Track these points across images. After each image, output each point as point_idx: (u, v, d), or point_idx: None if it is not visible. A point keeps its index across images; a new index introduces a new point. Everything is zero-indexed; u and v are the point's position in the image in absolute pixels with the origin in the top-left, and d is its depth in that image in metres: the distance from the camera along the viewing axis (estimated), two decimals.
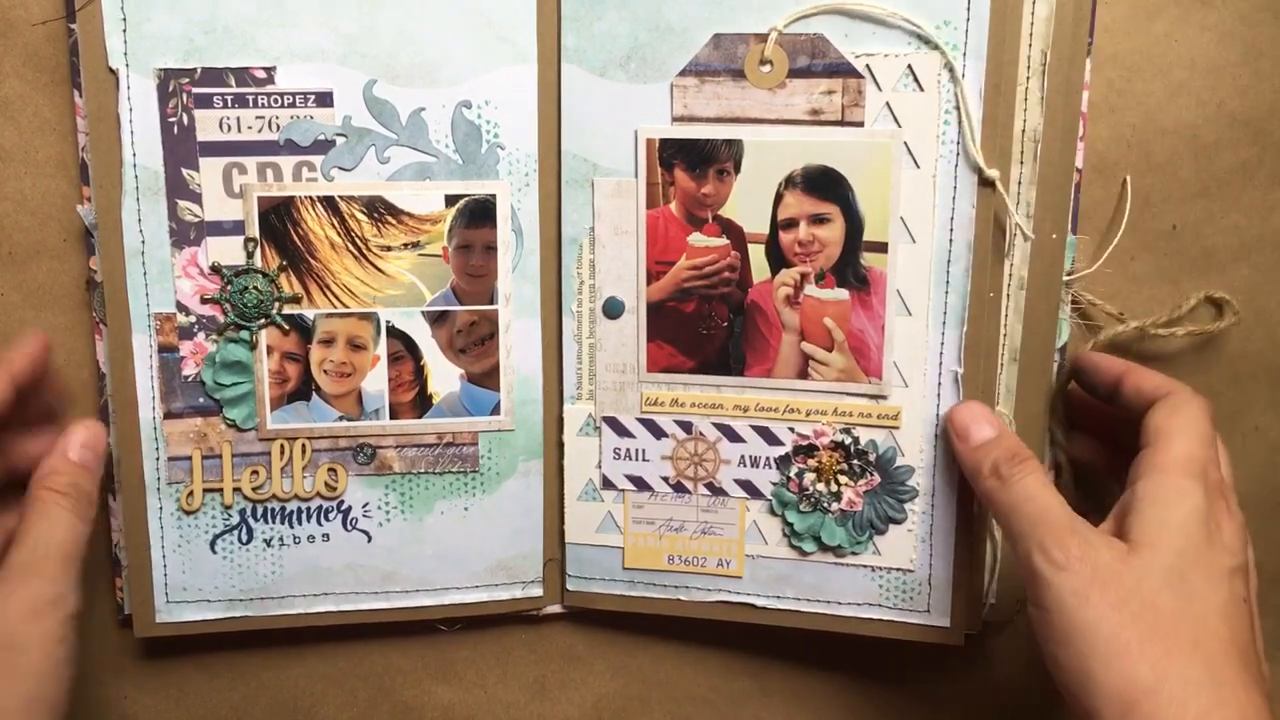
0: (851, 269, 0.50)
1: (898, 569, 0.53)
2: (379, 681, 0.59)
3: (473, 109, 0.51)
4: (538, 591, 0.57)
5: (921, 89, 0.47)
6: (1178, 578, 0.41)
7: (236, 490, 0.53)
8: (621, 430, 0.54)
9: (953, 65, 0.46)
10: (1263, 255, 0.53)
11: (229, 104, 0.49)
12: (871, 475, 0.52)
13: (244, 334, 0.51)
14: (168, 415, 0.52)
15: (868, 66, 0.47)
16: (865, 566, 0.54)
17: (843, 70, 0.48)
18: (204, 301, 0.51)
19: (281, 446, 0.53)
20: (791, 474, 0.53)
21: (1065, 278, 0.51)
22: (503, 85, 0.51)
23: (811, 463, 0.53)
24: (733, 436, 0.53)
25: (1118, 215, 0.52)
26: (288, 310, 0.52)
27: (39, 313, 0.53)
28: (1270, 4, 0.50)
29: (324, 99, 0.49)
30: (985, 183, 0.47)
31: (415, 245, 0.52)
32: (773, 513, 0.54)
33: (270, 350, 0.52)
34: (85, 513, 0.47)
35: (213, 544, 0.53)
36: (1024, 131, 0.47)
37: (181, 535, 0.53)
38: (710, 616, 0.56)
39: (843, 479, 0.53)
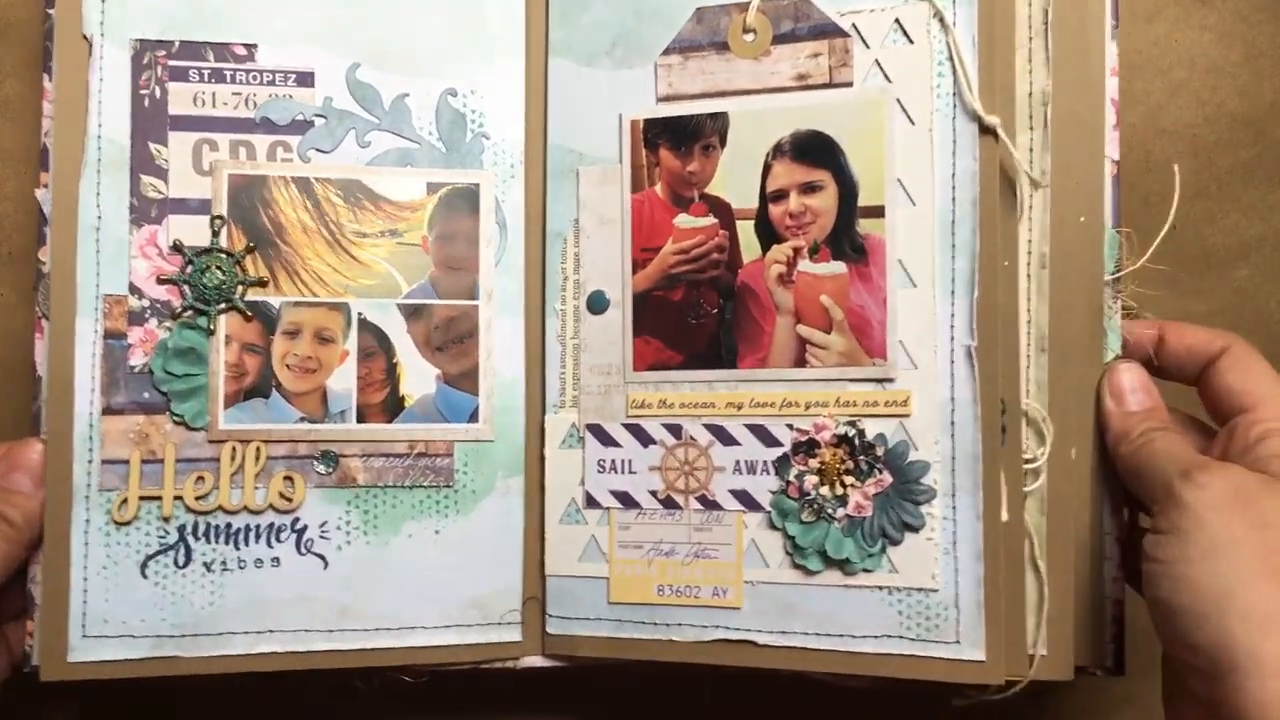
0: (848, 239, 0.44)
1: (918, 589, 0.45)
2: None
3: (458, 97, 0.47)
4: (515, 635, 0.47)
5: (911, 41, 0.43)
6: None
7: (178, 499, 0.45)
8: (606, 439, 0.46)
9: (942, 14, 0.43)
10: (1263, 255, 0.51)
11: (205, 78, 0.45)
12: (881, 473, 0.44)
13: (202, 320, 0.44)
14: (107, 410, 0.44)
15: (854, 25, 0.44)
16: (880, 588, 0.45)
17: (828, 31, 0.44)
18: (160, 282, 0.45)
19: (233, 450, 0.44)
20: (791, 477, 0.45)
21: (1109, 276, 0.45)
22: (489, 75, 0.49)
23: (813, 463, 0.45)
24: (726, 439, 0.45)
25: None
26: (251, 295, 0.45)
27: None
28: (1270, 4, 0.51)
29: (305, 79, 0.45)
30: (986, 131, 0.43)
31: (393, 233, 0.46)
32: (772, 526, 0.46)
33: (229, 340, 0.45)
34: (7, 533, 0.43)
35: (144, 565, 0.45)
36: (1031, 95, 0.43)
37: (108, 554, 0.44)
38: (706, 660, 0.47)
39: (849, 480, 0.44)
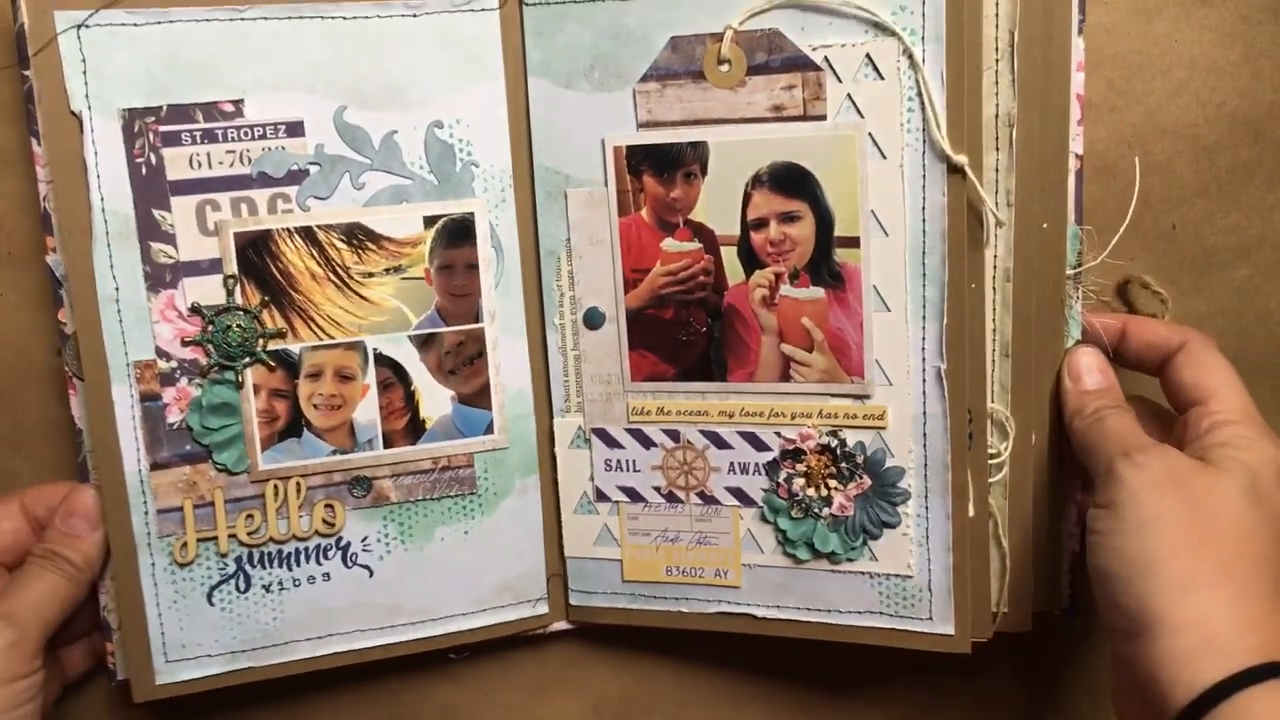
0: (825, 266, 0.47)
1: (896, 575, 0.50)
2: (378, 679, 0.56)
3: (444, 128, 0.48)
4: (544, 609, 0.54)
5: (882, 78, 0.45)
6: (1253, 500, 0.41)
7: (232, 537, 0.49)
8: (611, 441, 0.51)
9: (911, 51, 0.44)
10: (1263, 255, 0.52)
11: (198, 140, 0.46)
12: (861, 478, 0.49)
13: (229, 374, 0.47)
14: (154, 466, 0.48)
15: (826, 59, 0.45)
16: (863, 574, 0.51)
17: (801, 64, 0.45)
18: (185, 344, 0.47)
19: (275, 487, 0.49)
20: (780, 479, 0.50)
21: (1071, 270, 0.48)
22: (472, 103, 0.49)
23: (800, 467, 0.50)
24: (720, 443, 0.50)
25: (1125, 201, 0.50)
26: (272, 346, 0.48)
27: (38, 314, 0.50)
28: (1270, 4, 0.50)
29: (295, 129, 0.46)
30: (954, 169, 0.44)
31: (397, 270, 0.48)
32: (765, 520, 0.52)
33: (257, 389, 0.48)
34: (70, 574, 0.47)
35: (209, 595, 0.50)
36: (996, 116, 0.44)
37: (176, 590, 0.49)
38: (711, 628, 0.54)
39: (832, 483, 0.49)
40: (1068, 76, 0.46)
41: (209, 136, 0.46)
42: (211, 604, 0.49)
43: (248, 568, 0.49)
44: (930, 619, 0.49)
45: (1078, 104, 0.46)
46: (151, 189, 0.46)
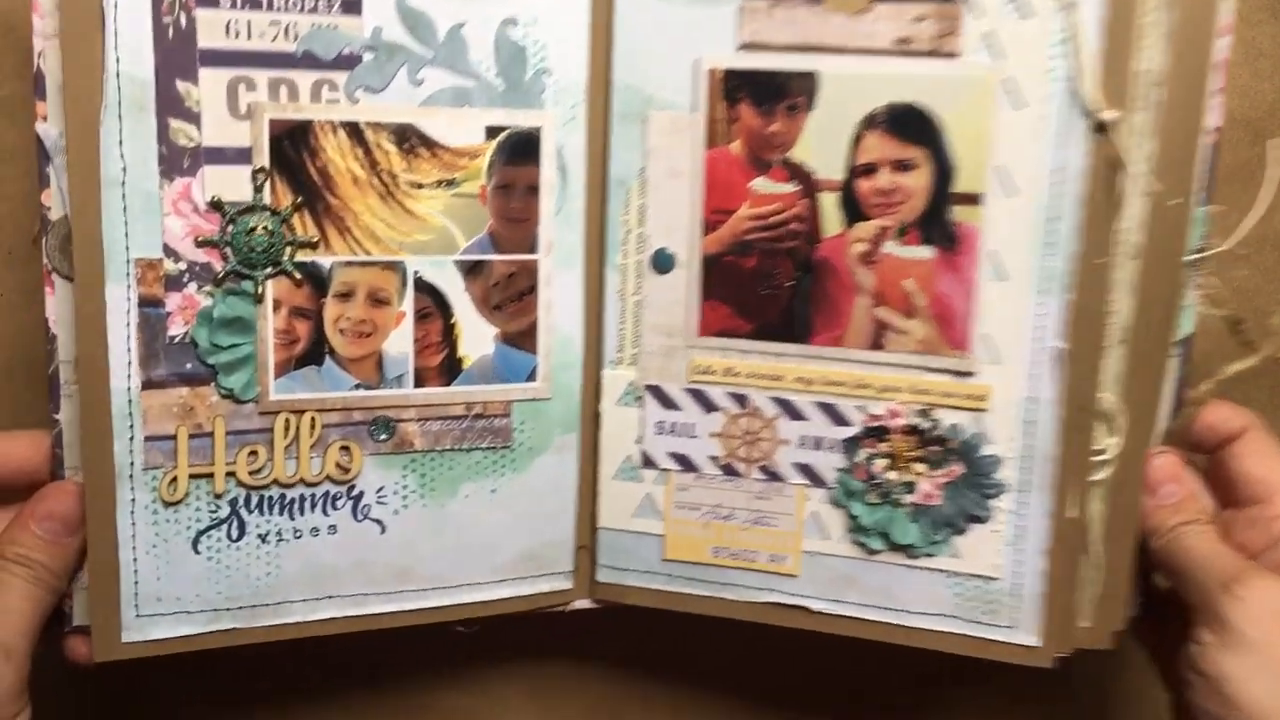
0: (938, 224, 0.45)
1: (979, 576, 0.48)
2: (381, 682, 0.55)
3: (518, 27, 0.44)
4: (566, 584, 0.50)
5: (1029, 17, 0.42)
6: None
7: (230, 475, 0.45)
8: (666, 401, 0.48)
9: None
10: (1263, 255, 0.53)
11: (238, 5, 0.42)
12: (953, 465, 0.47)
13: (247, 285, 0.43)
14: (146, 385, 0.43)
15: None
16: (941, 571, 0.48)
17: None
18: (199, 245, 0.43)
19: (286, 421, 0.44)
20: (859, 459, 0.47)
21: (1191, 257, 0.45)
22: (552, 2, 0.45)
23: (883, 447, 0.47)
24: (793, 413, 0.48)
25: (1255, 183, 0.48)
26: (301, 257, 0.43)
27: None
28: (1270, 4, 0.51)
29: (351, 6, 0.43)
30: (1100, 128, 0.42)
31: (450, 183, 0.45)
32: (836, 503, 0.49)
33: (278, 305, 0.44)
34: (44, 579, 0.43)
35: (195, 542, 0.45)
36: (1143, 73, 0.42)
37: (158, 533, 0.45)
38: (760, 620, 0.50)
39: (919, 468, 0.47)
40: (1212, 32, 0.43)
41: (252, 2, 0.41)
42: (197, 552, 0.44)
43: (243, 512, 0.45)
44: (1011, 627, 0.47)
45: (1219, 72, 0.43)
46: (177, 56, 0.41)
